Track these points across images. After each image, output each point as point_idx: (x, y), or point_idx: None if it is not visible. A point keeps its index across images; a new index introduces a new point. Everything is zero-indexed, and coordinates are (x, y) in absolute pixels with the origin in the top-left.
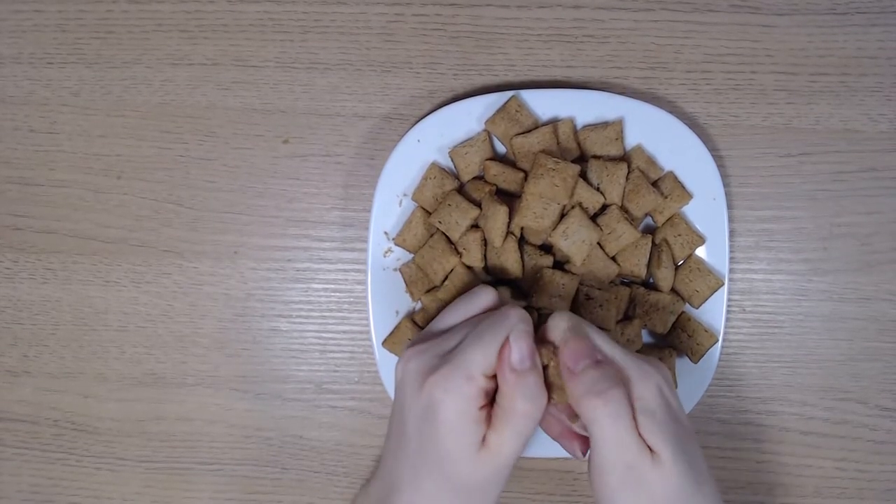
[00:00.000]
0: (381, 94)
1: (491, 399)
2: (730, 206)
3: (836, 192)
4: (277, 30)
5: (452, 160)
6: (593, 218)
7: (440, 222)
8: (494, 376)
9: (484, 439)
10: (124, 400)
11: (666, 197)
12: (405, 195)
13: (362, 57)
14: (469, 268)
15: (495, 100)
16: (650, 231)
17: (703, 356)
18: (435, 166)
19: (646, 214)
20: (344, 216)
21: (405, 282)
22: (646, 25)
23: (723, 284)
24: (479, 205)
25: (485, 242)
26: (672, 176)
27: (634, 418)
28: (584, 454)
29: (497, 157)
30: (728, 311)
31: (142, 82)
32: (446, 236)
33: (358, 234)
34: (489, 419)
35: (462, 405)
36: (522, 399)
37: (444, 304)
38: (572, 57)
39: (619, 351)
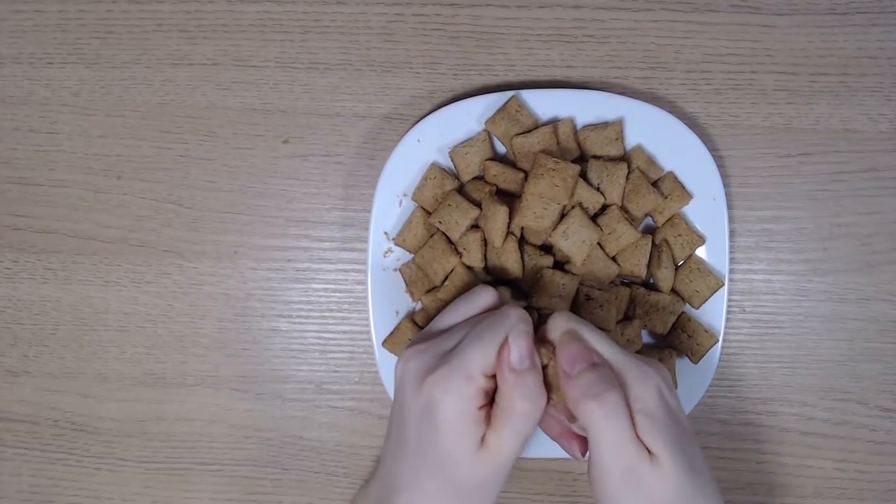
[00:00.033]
0: (381, 94)
1: (490, 399)
2: (730, 206)
3: (836, 193)
4: (277, 30)
5: (452, 160)
6: (593, 218)
7: (440, 222)
8: (494, 376)
9: (483, 439)
10: (124, 400)
11: (666, 197)
12: (405, 195)
13: (362, 57)
14: (469, 268)
15: (495, 100)
16: (650, 231)
17: (703, 356)
18: (435, 166)
19: (646, 214)
20: (344, 216)
21: (405, 282)
22: (646, 25)
23: (723, 285)
24: (479, 205)
25: (485, 242)
26: (672, 176)
27: (632, 420)
28: (583, 455)
29: (497, 157)
30: (728, 312)
31: (142, 82)
32: (446, 236)
33: (358, 234)
34: (488, 419)
35: (461, 405)
36: (522, 399)
37: (444, 305)
38: (572, 57)
39: (618, 352)
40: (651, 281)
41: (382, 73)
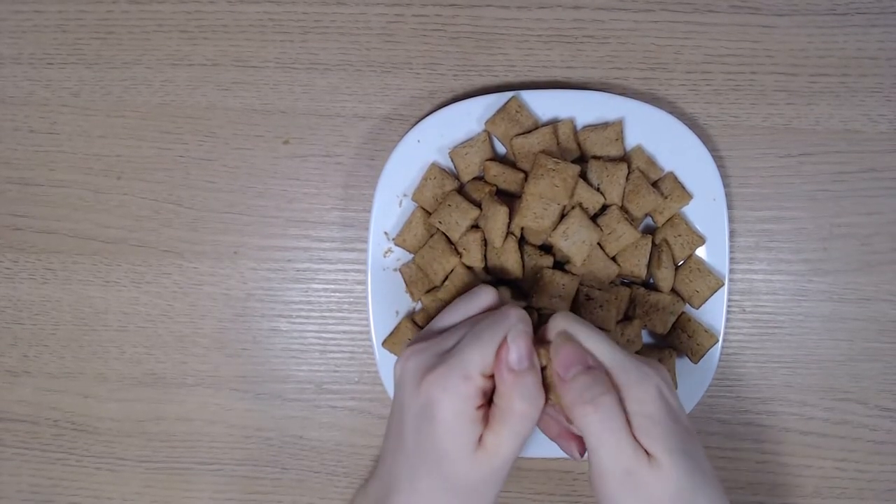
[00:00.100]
0: (381, 94)
1: (489, 399)
2: (730, 207)
3: (836, 193)
4: (277, 30)
5: (452, 160)
6: (593, 218)
7: (440, 222)
8: (493, 376)
9: (481, 439)
10: (124, 400)
11: (666, 197)
12: (405, 195)
13: (362, 57)
14: (469, 268)
15: (495, 100)
16: (650, 231)
17: (703, 356)
18: (435, 167)
19: (646, 215)
20: (344, 216)
21: (405, 282)
22: (646, 26)
23: (723, 285)
24: (479, 205)
25: (485, 243)
26: (672, 176)
27: (631, 422)
28: (582, 455)
29: (497, 158)
30: (728, 312)
31: (142, 83)
32: (446, 236)
33: (358, 234)
34: (487, 419)
35: (459, 405)
36: (520, 399)
37: (444, 305)
38: (572, 57)
39: (618, 353)
40: (651, 281)
41: (382, 74)
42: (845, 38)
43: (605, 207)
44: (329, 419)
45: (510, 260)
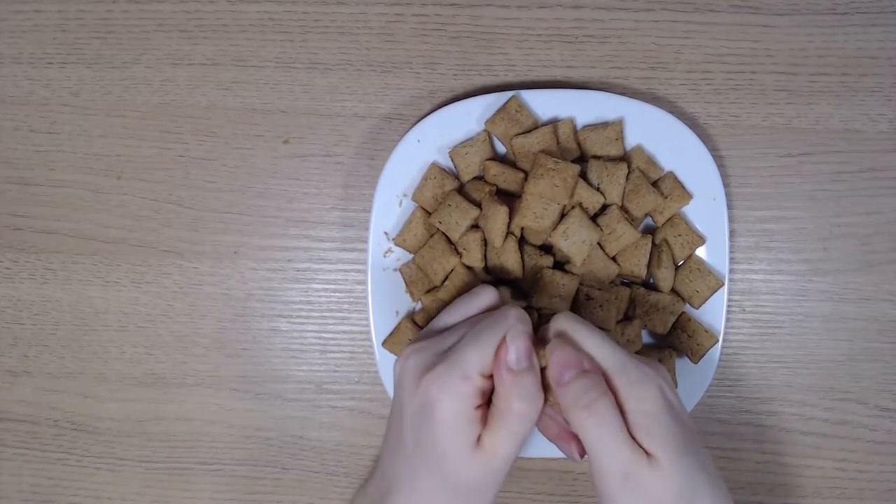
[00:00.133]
0: (381, 94)
1: (488, 399)
2: (730, 206)
3: (836, 193)
4: (277, 30)
5: (452, 160)
6: (593, 218)
7: (440, 222)
8: (492, 376)
9: (479, 439)
10: (124, 400)
11: (666, 197)
12: (405, 195)
13: (362, 57)
14: (469, 268)
15: (495, 100)
16: (650, 231)
17: (703, 356)
18: (435, 166)
19: (646, 214)
20: (344, 216)
21: (405, 282)
22: (646, 25)
23: (723, 285)
24: (479, 205)
25: (485, 242)
26: (672, 176)
27: (629, 422)
28: (581, 456)
29: (497, 158)
30: (728, 312)
31: (142, 82)
32: (446, 236)
33: (358, 234)
34: (485, 419)
35: (458, 405)
36: (519, 399)
37: (444, 305)
38: (572, 57)
39: (619, 353)
40: (651, 281)
41: (382, 74)
42: (845, 38)
43: (605, 207)
44: (329, 419)
45: (510, 260)
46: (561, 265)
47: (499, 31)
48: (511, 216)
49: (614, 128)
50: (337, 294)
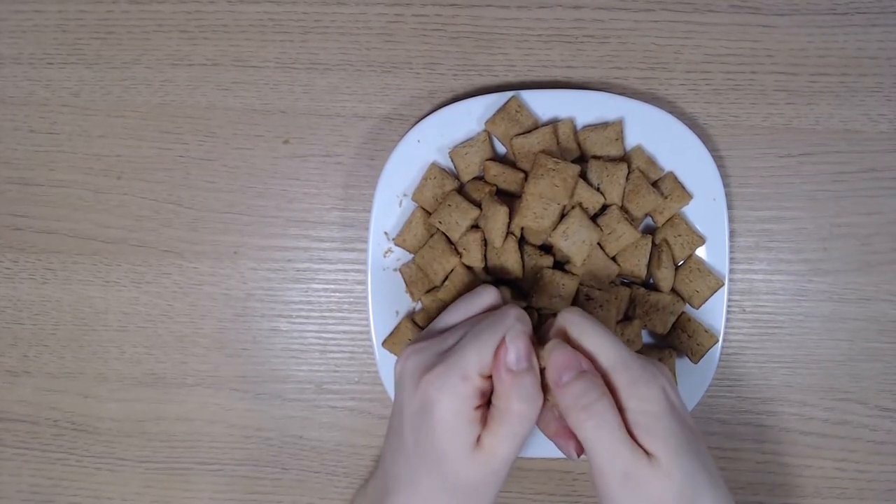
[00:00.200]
0: (381, 94)
1: (487, 399)
2: (730, 207)
3: (836, 193)
4: (277, 30)
5: (452, 160)
6: (593, 218)
7: (440, 222)
8: (491, 377)
9: (479, 440)
10: (124, 400)
11: (666, 197)
12: (405, 195)
13: (362, 57)
14: (469, 268)
15: (495, 100)
16: (650, 231)
17: (703, 356)
18: (435, 166)
19: (646, 215)
20: (344, 216)
21: (405, 282)
22: (646, 26)
23: (723, 285)
24: (479, 205)
25: (485, 242)
26: (672, 176)
27: (630, 422)
28: (578, 455)
29: (497, 158)
30: (728, 312)
31: (142, 83)
32: (446, 236)
33: (358, 234)
34: (485, 420)
35: (457, 405)
36: (518, 400)
37: (445, 305)
38: (572, 57)
39: (623, 351)
40: (651, 281)
41: (382, 74)
42: (845, 38)
43: (605, 207)
44: (329, 419)
45: (510, 260)
46: (561, 265)
47: (499, 31)
48: (511, 216)
49: (614, 128)
50: (337, 294)
